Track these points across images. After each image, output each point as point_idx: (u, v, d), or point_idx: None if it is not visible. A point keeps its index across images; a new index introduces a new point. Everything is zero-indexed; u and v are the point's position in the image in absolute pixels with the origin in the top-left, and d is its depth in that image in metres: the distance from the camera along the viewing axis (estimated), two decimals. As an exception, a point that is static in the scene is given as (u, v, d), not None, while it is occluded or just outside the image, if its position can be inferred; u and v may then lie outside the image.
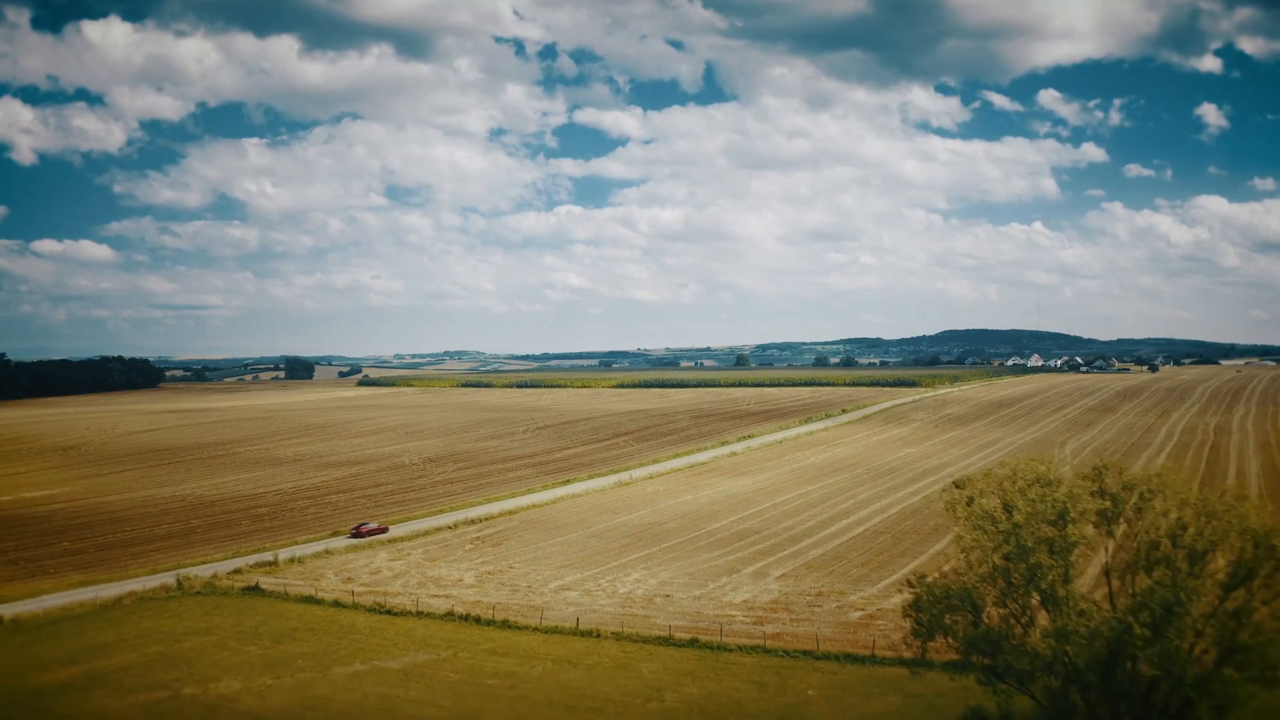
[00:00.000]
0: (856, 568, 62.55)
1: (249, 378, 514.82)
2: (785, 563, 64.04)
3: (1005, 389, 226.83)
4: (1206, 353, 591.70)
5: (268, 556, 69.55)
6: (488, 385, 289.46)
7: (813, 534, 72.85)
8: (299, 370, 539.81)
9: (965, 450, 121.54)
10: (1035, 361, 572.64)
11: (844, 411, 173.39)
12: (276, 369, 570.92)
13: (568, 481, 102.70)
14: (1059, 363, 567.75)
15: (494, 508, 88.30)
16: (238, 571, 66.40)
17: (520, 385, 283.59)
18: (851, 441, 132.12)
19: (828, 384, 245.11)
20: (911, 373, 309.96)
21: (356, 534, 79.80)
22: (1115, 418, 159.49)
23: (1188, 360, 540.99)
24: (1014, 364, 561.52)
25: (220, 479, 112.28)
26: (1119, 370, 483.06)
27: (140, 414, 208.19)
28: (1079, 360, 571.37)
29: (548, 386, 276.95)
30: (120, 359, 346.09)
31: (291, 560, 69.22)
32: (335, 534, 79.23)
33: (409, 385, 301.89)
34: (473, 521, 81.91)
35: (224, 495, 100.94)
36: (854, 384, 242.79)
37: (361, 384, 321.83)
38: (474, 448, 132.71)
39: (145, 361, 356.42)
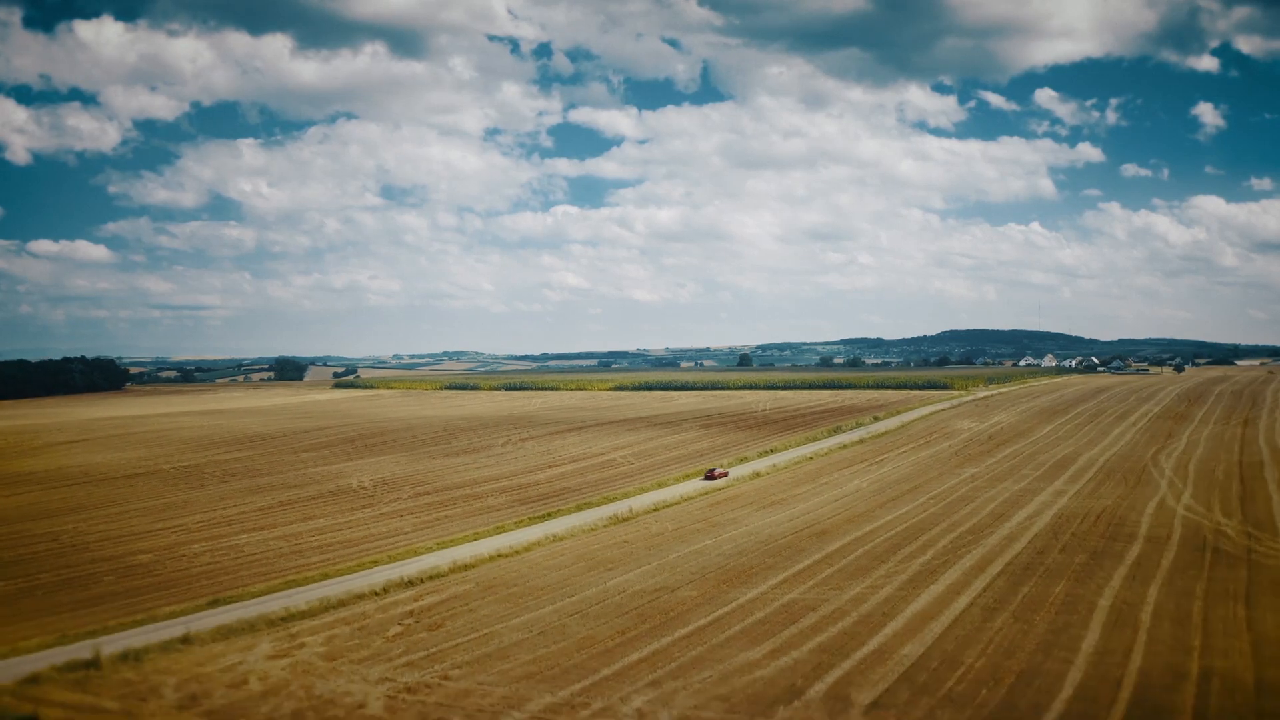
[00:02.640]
0: (987, 685, 39.67)
1: (240, 379, 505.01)
2: (870, 676, 41.15)
3: (1046, 392, 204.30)
4: (1210, 352, 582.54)
5: (86, 651, 46.61)
6: (473, 388, 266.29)
7: (894, 613, 49.97)
8: (289, 371, 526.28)
9: (1040, 470, 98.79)
10: (1049, 362, 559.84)
11: (876, 419, 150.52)
12: (268, 370, 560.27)
13: (548, 515, 79.82)
14: (1073, 363, 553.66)
15: (446, 557, 65.53)
16: (33, 680, 43.61)
17: (508, 388, 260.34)
18: (897, 458, 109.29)
19: (849, 386, 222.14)
20: (940, 373, 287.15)
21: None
22: (1193, 426, 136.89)
23: (1202, 361, 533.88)
24: (1027, 364, 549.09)
25: (116, 508, 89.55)
26: (1137, 371, 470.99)
27: (78, 421, 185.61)
28: (1094, 360, 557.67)
29: (539, 389, 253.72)
30: (83, 359, 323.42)
31: (125, 656, 46.37)
32: (215, 602, 56.51)
33: (388, 387, 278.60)
34: (411, 583, 59.01)
35: (108, 534, 78.23)
36: (877, 386, 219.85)
37: (337, 386, 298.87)
38: (440, 465, 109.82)
39: (110, 362, 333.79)
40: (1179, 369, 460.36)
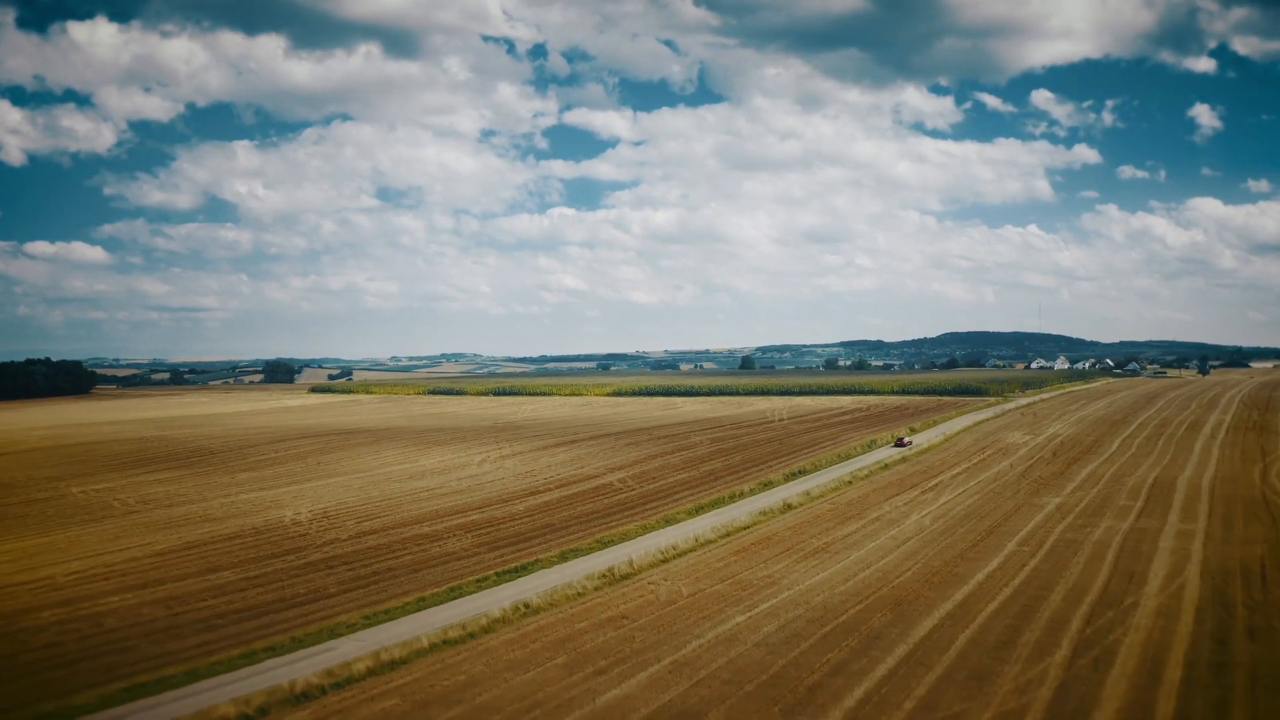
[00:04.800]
0: None
1: (231, 381, 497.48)
2: None
3: (1091, 398, 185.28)
4: (1213, 355, 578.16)
5: None
6: (459, 393, 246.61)
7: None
8: (280, 373, 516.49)
9: (1139, 500, 79.66)
10: (1061, 364, 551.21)
11: (913, 431, 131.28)
12: (259, 372, 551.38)
13: (523, 569, 60.45)
14: (1085, 365, 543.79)
15: (372, 641, 46.31)
16: None
17: (497, 393, 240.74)
18: (954, 481, 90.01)
19: (871, 392, 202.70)
20: (966, 376, 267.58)
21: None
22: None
23: (1216, 363, 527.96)
24: (1040, 367, 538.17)
25: (-22, 551, 70.22)
26: (1154, 374, 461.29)
27: (12, 430, 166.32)
28: (1109, 362, 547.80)
29: (529, 395, 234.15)
30: (47, 361, 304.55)
31: None
32: (4, 731, 37.40)
33: (368, 392, 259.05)
34: (306, 695, 39.66)
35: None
36: (904, 392, 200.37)
37: (315, 390, 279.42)
38: (399, 491, 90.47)
39: (77, 364, 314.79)
40: (1203, 372, 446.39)
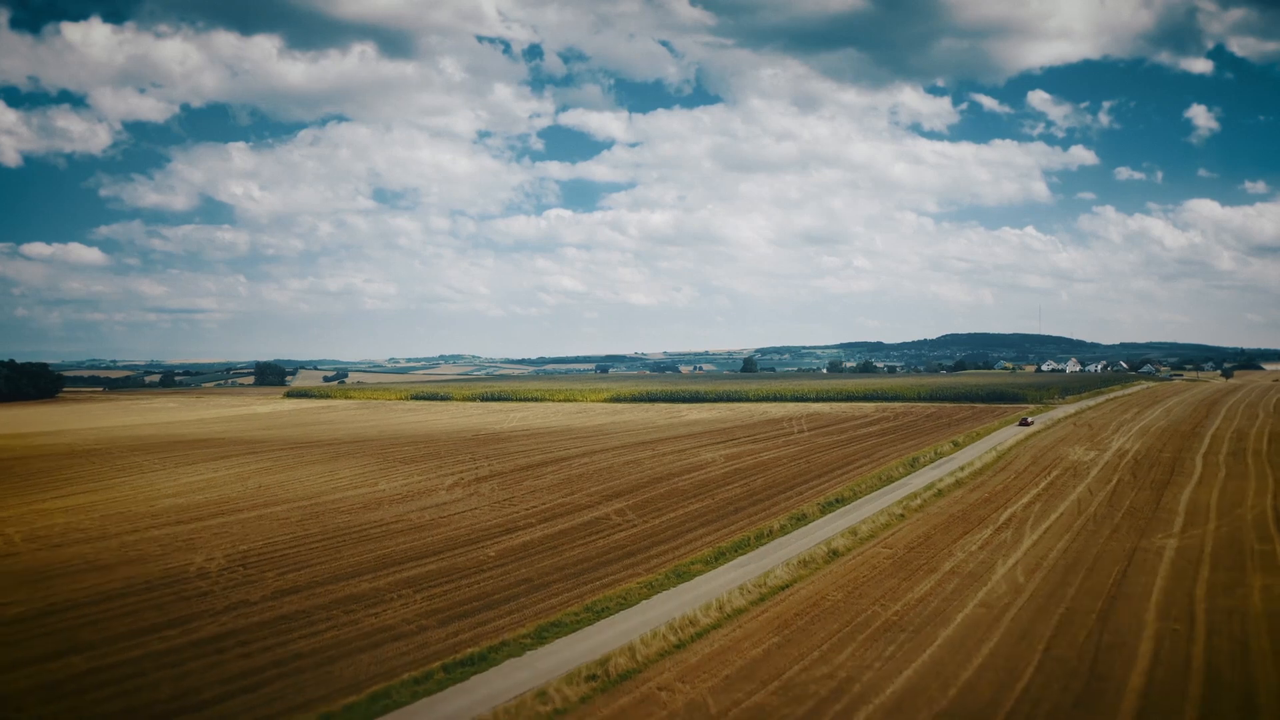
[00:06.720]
0: None
1: (224, 382, 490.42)
2: None
3: (1141, 404, 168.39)
4: (1215, 356, 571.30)
5: None
6: (444, 398, 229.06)
7: None
8: (270, 375, 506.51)
9: (1262, 538, 62.81)
10: (1073, 366, 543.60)
11: (955, 445, 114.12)
12: (252, 374, 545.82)
13: (482, 660, 43.15)
14: (1097, 368, 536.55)
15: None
16: None
17: (485, 398, 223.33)
18: (1028, 513, 72.81)
19: (895, 397, 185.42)
20: (1000, 378, 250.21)
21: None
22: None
23: (1228, 365, 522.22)
24: (1050, 368, 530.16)
25: None
26: (1171, 376, 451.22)
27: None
28: (1124, 365, 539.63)
29: (520, 400, 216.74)
30: (12, 364, 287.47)
31: None
32: None
33: (346, 397, 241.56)
34: None
35: None
36: (931, 398, 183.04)
37: (289, 395, 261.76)
38: (346, 527, 73.22)
39: (43, 367, 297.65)
40: (1226, 374, 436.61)
